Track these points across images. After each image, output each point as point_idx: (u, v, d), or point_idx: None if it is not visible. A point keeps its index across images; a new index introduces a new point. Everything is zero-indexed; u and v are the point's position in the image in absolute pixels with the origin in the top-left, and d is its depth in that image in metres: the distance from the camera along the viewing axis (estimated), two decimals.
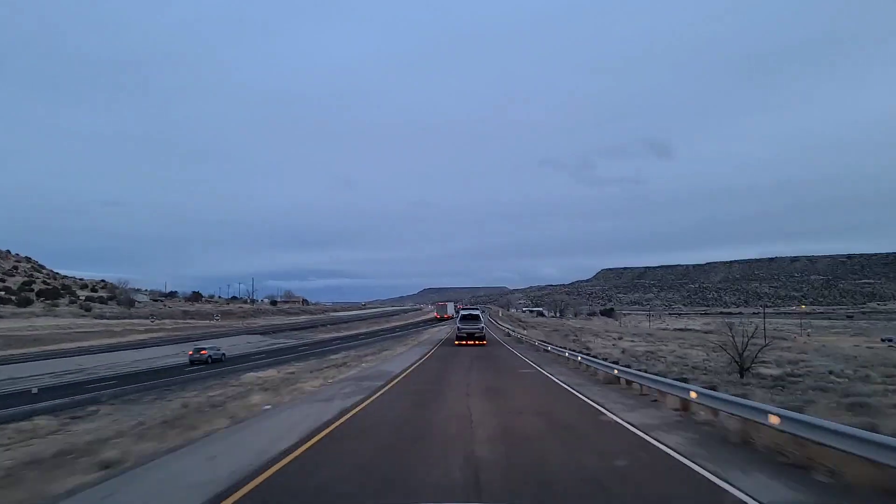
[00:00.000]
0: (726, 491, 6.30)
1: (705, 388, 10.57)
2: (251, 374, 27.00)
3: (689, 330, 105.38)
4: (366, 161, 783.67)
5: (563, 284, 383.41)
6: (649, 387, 13.77)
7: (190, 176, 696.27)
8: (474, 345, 40.88)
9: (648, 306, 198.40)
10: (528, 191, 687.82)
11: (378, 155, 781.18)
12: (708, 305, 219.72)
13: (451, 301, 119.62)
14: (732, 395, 9.71)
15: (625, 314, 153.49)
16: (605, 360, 20.44)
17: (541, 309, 79.82)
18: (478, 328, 42.88)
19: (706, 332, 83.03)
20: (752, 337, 30.63)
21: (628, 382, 15.92)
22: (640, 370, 16.26)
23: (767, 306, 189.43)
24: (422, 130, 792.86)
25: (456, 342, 42.34)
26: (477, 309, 49.15)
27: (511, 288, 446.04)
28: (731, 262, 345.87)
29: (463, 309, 47.61)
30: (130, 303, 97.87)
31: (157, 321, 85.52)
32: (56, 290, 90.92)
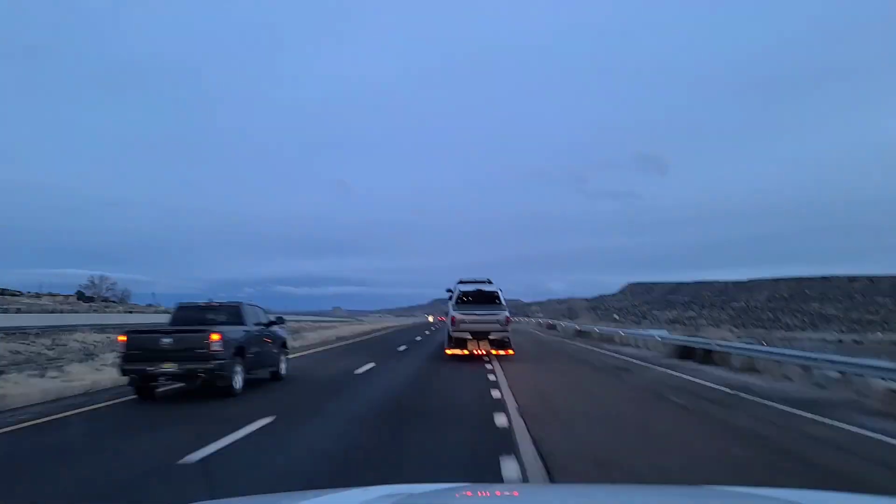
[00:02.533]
0: None
1: None
2: None
3: None
4: (378, 172, 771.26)
5: (587, 298, 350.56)
6: None
7: (207, 180, 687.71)
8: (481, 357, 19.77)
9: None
10: (538, 204, 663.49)
11: (389, 166, 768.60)
12: (766, 328, 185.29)
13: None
14: None
15: None
16: None
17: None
18: (496, 319, 20.26)
19: None
20: None
21: None
22: None
23: (844, 331, 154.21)
24: (434, 143, 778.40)
25: (448, 352, 20.50)
26: (492, 284, 22.11)
27: (526, 301, 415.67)
28: (776, 279, 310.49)
29: (463, 283, 22.57)
30: None
31: None
32: None
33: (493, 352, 19.85)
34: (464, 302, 21.39)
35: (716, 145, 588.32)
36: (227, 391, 10.76)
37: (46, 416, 9.32)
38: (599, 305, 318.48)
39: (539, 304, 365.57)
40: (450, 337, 20.66)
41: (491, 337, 20.03)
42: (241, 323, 12.05)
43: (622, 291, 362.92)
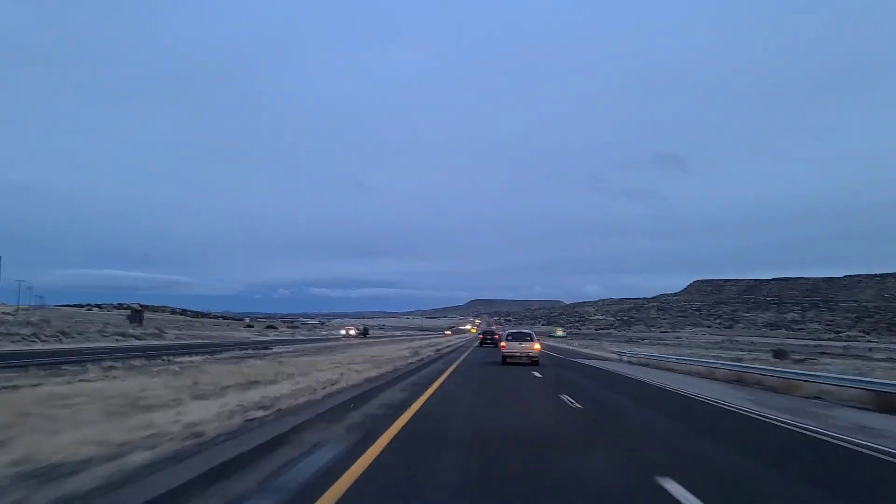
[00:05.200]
0: None
1: None
2: None
3: None
4: (411, 174, 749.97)
5: (646, 298, 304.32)
6: None
7: (244, 184, 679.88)
8: None
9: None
10: (579, 207, 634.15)
11: (423, 169, 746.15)
12: None
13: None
14: None
15: None
16: None
17: None
18: None
19: None
20: None
21: None
22: None
23: None
24: (470, 146, 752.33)
25: None
26: None
27: (566, 302, 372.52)
28: (882, 275, 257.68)
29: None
30: None
31: None
32: None
33: None
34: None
35: (754, 148, 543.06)
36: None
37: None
38: (665, 305, 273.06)
39: (591, 304, 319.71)
40: None
41: None
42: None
43: (687, 290, 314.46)
